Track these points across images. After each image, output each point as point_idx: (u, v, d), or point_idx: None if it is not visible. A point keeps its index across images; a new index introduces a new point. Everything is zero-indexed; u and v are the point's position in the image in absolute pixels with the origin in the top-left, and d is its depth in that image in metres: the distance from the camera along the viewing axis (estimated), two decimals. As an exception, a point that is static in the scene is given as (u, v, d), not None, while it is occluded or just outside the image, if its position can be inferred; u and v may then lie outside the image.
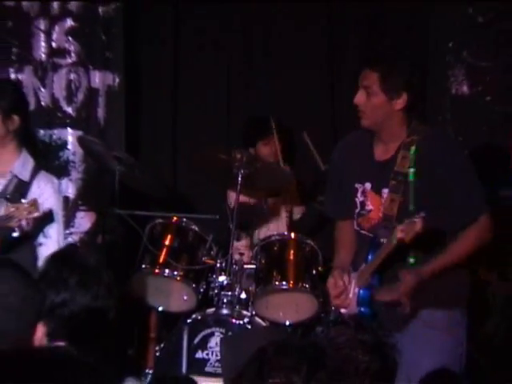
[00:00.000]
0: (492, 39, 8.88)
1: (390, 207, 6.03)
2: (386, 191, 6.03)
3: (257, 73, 9.50)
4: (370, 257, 6.07)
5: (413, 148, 5.98)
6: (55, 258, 4.56)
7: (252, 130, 8.65)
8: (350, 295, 6.14)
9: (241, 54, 9.56)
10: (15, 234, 6.12)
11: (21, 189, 6.43)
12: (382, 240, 5.99)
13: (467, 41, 8.92)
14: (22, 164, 6.49)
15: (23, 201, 6.10)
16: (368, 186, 6.11)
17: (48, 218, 6.43)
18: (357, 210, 6.17)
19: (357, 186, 6.14)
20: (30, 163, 6.52)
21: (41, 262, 6.13)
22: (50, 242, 6.42)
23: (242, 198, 7.98)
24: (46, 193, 6.43)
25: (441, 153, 5.98)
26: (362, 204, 6.16)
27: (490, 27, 8.85)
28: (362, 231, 6.19)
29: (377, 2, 9.28)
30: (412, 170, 5.90)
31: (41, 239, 6.45)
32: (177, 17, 9.45)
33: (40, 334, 3.74)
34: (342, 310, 6.25)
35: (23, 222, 6.06)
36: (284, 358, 2.89)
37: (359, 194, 6.18)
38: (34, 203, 6.07)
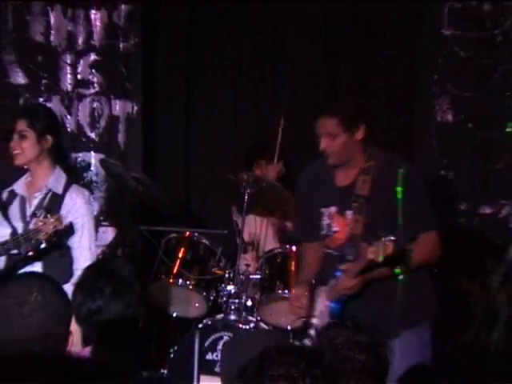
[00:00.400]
0: (473, 72, 8.87)
1: (355, 227, 6.10)
2: (349, 213, 6.12)
3: (262, 99, 9.44)
4: (337, 273, 6.12)
5: (370, 175, 6.17)
6: (92, 268, 4.71)
7: (254, 152, 8.69)
8: (322, 308, 6.21)
9: (249, 85, 9.50)
10: (43, 246, 6.18)
11: (55, 201, 6.50)
12: (348, 257, 6.08)
13: (451, 74, 8.89)
14: (56, 179, 6.53)
15: (49, 216, 6.12)
16: (333, 209, 6.21)
17: (72, 230, 6.46)
18: (323, 232, 6.26)
19: (322, 210, 6.25)
20: (63, 178, 6.57)
21: (75, 268, 6.38)
22: (83, 249, 6.47)
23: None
24: (78, 203, 6.49)
25: (397, 178, 6.02)
26: (329, 226, 6.24)
27: (470, 62, 8.85)
28: (329, 250, 6.25)
29: (369, 40, 9.33)
30: (399, 189, 5.89)
31: (74, 246, 6.48)
32: (188, 53, 9.40)
33: (76, 337, 3.79)
34: (314, 321, 6.26)
35: (50, 235, 6.11)
36: (284, 355, 2.93)
37: (325, 217, 6.25)
38: (59, 218, 6.12)
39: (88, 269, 4.70)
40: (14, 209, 6.66)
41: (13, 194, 6.70)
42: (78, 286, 4.53)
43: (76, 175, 7.37)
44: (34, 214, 6.36)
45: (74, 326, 3.97)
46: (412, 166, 6.59)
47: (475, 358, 8.41)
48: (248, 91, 9.54)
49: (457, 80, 8.91)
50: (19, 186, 6.68)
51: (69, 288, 4.86)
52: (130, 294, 4.34)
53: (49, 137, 6.46)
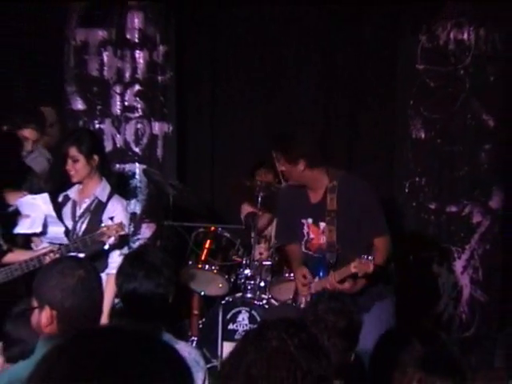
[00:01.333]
0: (440, 99, 8.86)
1: (330, 236, 6.33)
2: (323, 224, 6.37)
3: (273, 120, 9.31)
4: (321, 273, 6.44)
5: (335, 194, 6.34)
6: (129, 257, 4.89)
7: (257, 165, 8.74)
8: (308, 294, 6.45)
9: (265, 110, 9.50)
10: (106, 247, 6.45)
11: (99, 207, 6.72)
12: (330, 260, 6.35)
13: (423, 100, 8.90)
14: (102, 189, 6.77)
15: (110, 222, 6.34)
16: (310, 220, 6.45)
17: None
18: (305, 238, 6.50)
19: (303, 221, 6.49)
20: (108, 189, 6.80)
21: (109, 262, 6.59)
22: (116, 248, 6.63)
23: (251, 209, 8.36)
24: (117, 210, 6.67)
25: (356, 193, 6.36)
26: (308, 233, 6.48)
27: (438, 90, 8.85)
28: (309, 252, 6.51)
29: (361, 76, 9.39)
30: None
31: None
32: (212, 84, 9.53)
33: (106, 313, 3.98)
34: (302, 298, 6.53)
35: (111, 239, 6.35)
36: (277, 323, 3.02)
37: (305, 227, 6.48)
38: (121, 225, 6.37)
39: (126, 258, 4.89)
40: (67, 210, 6.85)
41: (67, 198, 6.89)
42: (118, 271, 4.72)
43: (118, 187, 7.35)
44: (100, 221, 6.55)
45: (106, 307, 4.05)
46: (365, 182, 6.66)
47: (445, 324, 8.71)
48: (261, 114, 9.50)
49: (428, 105, 8.91)
50: (72, 192, 6.87)
51: (103, 277, 5.05)
52: (159, 276, 4.51)
53: (95, 156, 6.71)
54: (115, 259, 6.41)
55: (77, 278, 3.69)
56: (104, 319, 4.23)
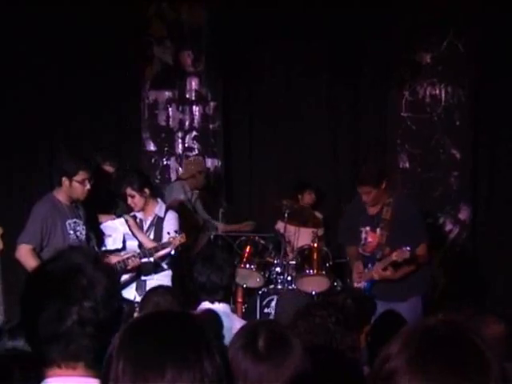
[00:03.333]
0: (420, 138, 8.87)
1: (382, 239, 6.27)
2: (378, 230, 6.29)
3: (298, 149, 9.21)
4: (369, 265, 6.34)
5: (390, 207, 6.25)
6: (201, 257, 4.79)
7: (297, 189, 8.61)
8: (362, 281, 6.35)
9: (288, 148, 9.28)
10: (173, 253, 6.35)
11: (159, 222, 6.58)
12: (377, 256, 6.26)
13: (407, 139, 8.91)
14: (160, 207, 6.62)
15: (176, 234, 6.26)
16: (368, 228, 6.37)
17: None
18: (362, 242, 6.42)
19: (361, 228, 6.41)
20: (164, 207, 6.66)
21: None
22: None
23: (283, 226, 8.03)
24: (172, 219, 6.55)
25: (406, 209, 6.31)
26: (365, 238, 6.39)
27: (418, 132, 8.87)
28: (364, 253, 6.44)
29: (361, 122, 9.24)
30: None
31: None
32: (249, 128, 9.38)
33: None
34: (356, 284, 6.40)
35: (175, 245, 6.28)
36: (322, 304, 3.22)
37: (363, 233, 6.40)
38: (183, 235, 6.29)
39: (199, 258, 4.78)
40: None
41: (134, 218, 6.69)
42: (193, 268, 4.65)
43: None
44: (167, 233, 6.37)
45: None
46: (412, 201, 6.80)
47: (424, 306, 8.33)
48: (285, 151, 9.30)
49: (410, 143, 8.92)
50: (138, 213, 6.68)
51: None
52: (222, 272, 4.51)
53: (146, 189, 6.52)
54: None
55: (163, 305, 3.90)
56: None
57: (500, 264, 8.83)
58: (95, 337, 1.91)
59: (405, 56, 8.94)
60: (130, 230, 6.61)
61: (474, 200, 9.00)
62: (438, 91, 8.87)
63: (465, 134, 8.91)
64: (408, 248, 5.92)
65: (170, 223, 6.53)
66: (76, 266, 1.95)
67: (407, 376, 1.50)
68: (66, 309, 1.90)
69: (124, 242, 6.63)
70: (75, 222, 6.10)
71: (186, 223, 6.86)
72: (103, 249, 6.53)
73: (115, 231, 6.65)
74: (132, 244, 6.62)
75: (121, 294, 2.04)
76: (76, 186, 6.00)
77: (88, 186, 6.03)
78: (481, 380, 1.50)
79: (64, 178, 5.99)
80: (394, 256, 5.99)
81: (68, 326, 1.89)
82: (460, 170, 8.91)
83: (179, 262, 6.74)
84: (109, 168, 7.17)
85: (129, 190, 6.51)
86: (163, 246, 6.30)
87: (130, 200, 6.54)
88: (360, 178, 6.30)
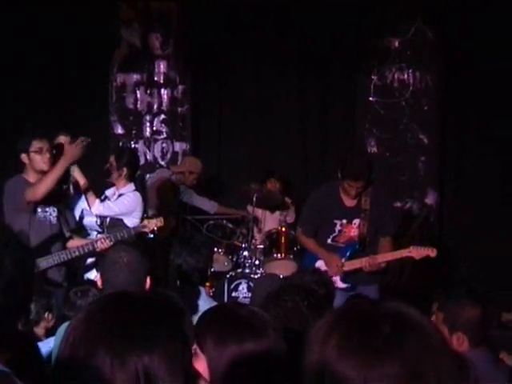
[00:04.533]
0: (388, 123, 8.91)
1: (363, 229, 6.17)
2: (356, 221, 6.17)
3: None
4: (348, 253, 6.21)
5: (369, 198, 6.14)
6: (179, 239, 4.91)
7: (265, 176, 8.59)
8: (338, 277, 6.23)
9: (259, 132, 9.30)
10: (148, 236, 6.40)
11: (118, 198, 6.61)
12: (357, 246, 6.20)
13: (375, 124, 8.92)
14: (127, 188, 6.63)
15: (153, 219, 6.23)
16: (344, 221, 6.19)
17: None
18: (334, 234, 6.24)
19: (335, 221, 6.23)
20: (132, 188, 6.63)
21: None
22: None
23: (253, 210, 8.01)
24: (126, 199, 6.56)
25: (381, 199, 6.26)
26: (340, 231, 6.21)
27: (387, 117, 8.89)
28: (337, 244, 6.26)
29: (328, 107, 9.25)
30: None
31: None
32: (219, 109, 9.32)
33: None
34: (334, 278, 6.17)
35: (151, 230, 6.21)
36: (292, 288, 3.10)
37: (338, 226, 6.21)
38: (160, 219, 6.21)
39: (176, 240, 4.89)
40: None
41: (105, 196, 6.74)
42: (171, 250, 4.71)
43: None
44: (146, 216, 6.42)
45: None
46: (387, 190, 6.85)
47: (391, 290, 8.20)
48: (256, 135, 9.34)
49: (379, 127, 8.95)
50: (108, 192, 6.77)
51: None
52: (199, 254, 4.53)
53: (125, 169, 6.59)
54: None
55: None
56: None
57: (465, 249, 8.91)
58: None
59: (373, 41, 8.94)
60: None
61: (441, 185, 9.05)
62: (406, 76, 8.90)
63: (432, 119, 8.93)
64: (434, 249, 6.06)
65: (121, 201, 6.53)
66: None
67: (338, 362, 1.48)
68: None
69: (82, 217, 6.62)
70: (44, 204, 5.95)
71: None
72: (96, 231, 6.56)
73: (76, 203, 6.66)
74: (90, 220, 6.62)
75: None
76: (35, 158, 5.83)
77: (48, 155, 5.84)
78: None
79: (23, 155, 5.85)
80: (408, 252, 6.09)
81: None
82: (427, 155, 8.94)
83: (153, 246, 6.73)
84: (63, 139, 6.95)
85: (111, 158, 6.63)
86: (136, 229, 6.24)
87: (107, 165, 6.64)
88: (355, 173, 6.03)
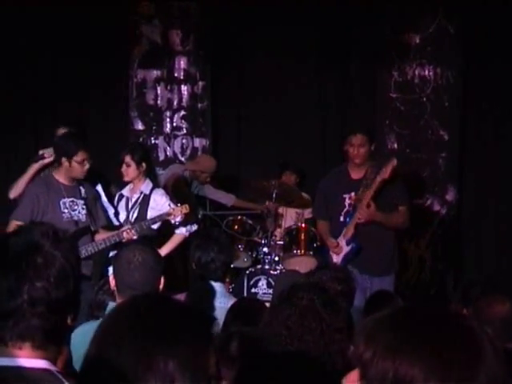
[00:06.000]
0: (409, 119, 8.84)
1: (360, 196, 6.37)
2: (361, 189, 6.36)
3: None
4: (347, 220, 6.43)
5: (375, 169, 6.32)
6: (203, 236, 5.07)
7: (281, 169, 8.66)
8: (341, 245, 6.45)
9: (279, 128, 9.26)
10: (195, 228, 6.50)
11: (145, 199, 6.58)
12: (353, 210, 6.35)
13: (395, 120, 8.86)
14: (146, 185, 6.61)
15: (178, 205, 6.29)
16: (352, 194, 6.44)
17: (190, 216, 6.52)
18: (345, 209, 6.45)
19: (344, 196, 6.46)
20: (151, 184, 6.62)
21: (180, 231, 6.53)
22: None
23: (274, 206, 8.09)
24: (158, 197, 6.57)
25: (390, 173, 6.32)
26: (350, 204, 6.44)
27: (407, 113, 8.84)
28: (347, 219, 6.44)
29: (348, 102, 9.19)
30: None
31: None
32: (239, 109, 9.38)
33: (162, 284, 3.61)
34: (334, 259, 6.50)
35: (178, 217, 6.29)
36: (306, 285, 3.07)
37: (347, 200, 6.44)
38: (186, 207, 6.25)
39: (200, 237, 5.04)
40: (122, 204, 6.70)
41: (121, 195, 6.75)
42: (195, 247, 4.86)
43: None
44: (168, 205, 6.37)
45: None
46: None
47: (412, 286, 8.59)
48: (275, 130, 9.27)
49: (399, 123, 8.91)
50: (124, 191, 6.75)
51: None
52: (227, 250, 4.80)
53: (144, 164, 6.59)
54: (183, 232, 6.53)
55: (138, 258, 3.62)
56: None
57: (485, 245, 8.91)
58: (45, 317, 1.84)
59: (394, 37, 8.87)
60: None
61: (461, 181, 8.99)
62: (426, 72, 8.81)
63: (453, 116, 8.85)
64: (393, 158, 6.17)
65: (158, 199, 6.55)
66: (34, 244, 1.86)
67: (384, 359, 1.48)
68: (16, 286, 1.82)
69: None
70: (72, 201, 6.09)
71: (178, 201, 6.74)
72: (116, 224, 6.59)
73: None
74: (108, 213, 6.66)
75: (79, 275, 1.94)
76: (75, 166, 6.03)
77: (87, 166, 6.05)
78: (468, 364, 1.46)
79: (64, 159, 6.02)
80: (379, 176, 6.14)
81: (18, 305, 1.82)
82: (448, 152, 8.86)
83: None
84: (61, 131, 6.90)
85: (127, 158, 6.53)
86: (161, 218, 6.28)
87: (124, 168, 6.55)
88: (355, 127, 6.33)
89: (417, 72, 8.86)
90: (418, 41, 8.84)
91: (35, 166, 6.51)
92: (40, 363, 1.81)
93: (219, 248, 4.69)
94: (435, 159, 8.90)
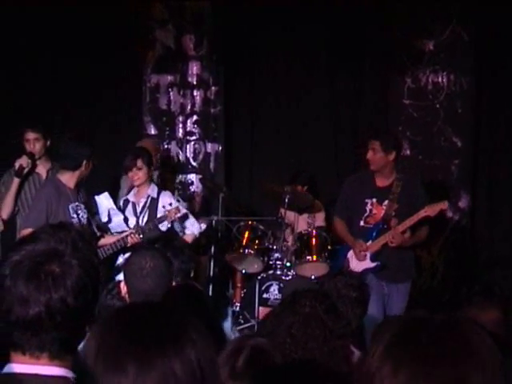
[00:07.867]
0: (422, 125, 8.84)
1: (390, 210, 6.34)
2: (385, 202, 6.37)
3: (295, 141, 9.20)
4: (374, 234, 6.38)
5: (401, 182, 6.35)
6: (162, 241, 4.99)
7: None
8: (367, 256, 6.38)
9: (292, 134, 9.22)
10: (169, 225, 6.41)
11: (153, 202, 6.58)
12: (380, 226, 6.34)
13: (408, 126, 8.86)
14: (152, 188, 6.62)
15: (169, 207, 6.27)
16: (374, 200, 6.41)
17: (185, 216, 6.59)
18: (366, 214, 6.42)
19: (366, 200, 6.44)
20: (156, 187, 6.65)
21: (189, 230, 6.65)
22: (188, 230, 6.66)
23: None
24: (167, 198, 6.57)
25: (414, 186, 6.50)
26: (370, 210, 6.42)
27: (420, 119, 8.83)
28: (367, 225, 6.44)
29: (362, 108, 9.15)
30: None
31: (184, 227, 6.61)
32: (251, 116, 9.28)
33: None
34: (353, 266, 6.42)
35: (173, 219, 6.30)
36: (308, 292, 3.05)
37: (368, 205, 6.42)
38: (178, 208, 6.30)
39: (160, 242, 5.03)
40: (129, 209, 6.67)
41: (127, 201, 6.73)
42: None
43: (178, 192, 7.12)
44: (163, 206, 6.36)
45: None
46: (421, 180, 6.95)
47: (424, 292, 8.46)
48: (289, 137, 9.26)
49: (412, 130, 8.90)
50: (130, 196, 6.74)
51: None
52: (182, 255, 4.63)
53: (152, 168, 6.63)
54: (192, 230, 6.60)
55: (149, 264, 3.63)
56: None
57: (498, 252, 8.84)
58: (63, 327, 1.79)
59: (407, 43, 8.88)
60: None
61: (474, 188, 8.97)
62: (440, 79, 8.82)
63: (466, 122, 8.85)
64: (445, 202, 6.17)
65: (167, 202, 6.52)
66: (52, 251, 1.81)
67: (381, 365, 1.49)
68: (34, 297, 1.77)
69: (110, 217, 6.62)
70: (77, 206, 6.12)
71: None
72: (112, 231, 6.59)
73: (101, 207, 6.64)
74: (118, 220, 6.61)
75: (97, 283, 1.88)
76: (89, 168, 6.17)
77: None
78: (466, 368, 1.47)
79: (85, 162, 6.07)
80: (424, 212, 6.09)
81: (35, 314, 1.77)
82: (461, 158, 8.86)
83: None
84: (30, 134, 6.77)
85: (139, 162, 6.49)
86: (160, 221, 6.30)
87: (134, 172, 6.51)
88: (372, 131, 6.40)
89: (430, 78, 8.86)
90: (431, 47, 8.84)
91: (17, 181, 6.51)
92: (57, 371, 1.80)
93: (173, 252, 4.56)
94: (448, 166, 8.90)
